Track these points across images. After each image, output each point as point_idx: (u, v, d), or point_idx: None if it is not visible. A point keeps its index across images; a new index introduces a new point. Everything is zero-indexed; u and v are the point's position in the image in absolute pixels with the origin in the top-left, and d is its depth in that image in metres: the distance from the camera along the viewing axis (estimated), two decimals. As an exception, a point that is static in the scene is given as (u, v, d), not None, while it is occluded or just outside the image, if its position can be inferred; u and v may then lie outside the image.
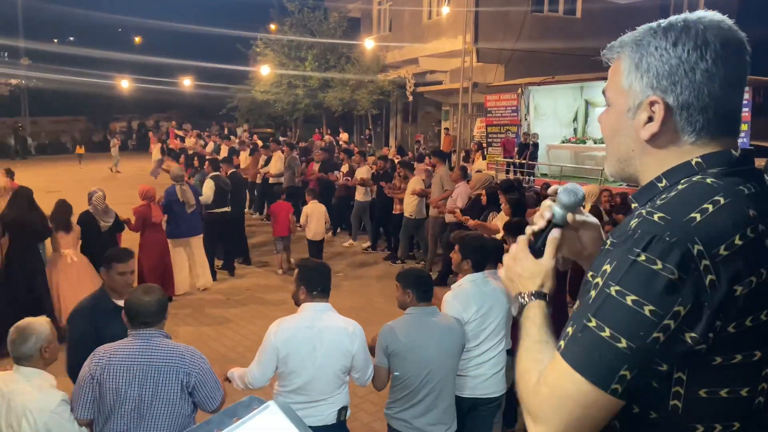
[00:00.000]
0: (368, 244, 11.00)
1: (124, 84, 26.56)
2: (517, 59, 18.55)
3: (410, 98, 21.99)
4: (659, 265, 0.96)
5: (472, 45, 17.43)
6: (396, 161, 12.00)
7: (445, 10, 19.83)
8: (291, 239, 9.56)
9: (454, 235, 4.16)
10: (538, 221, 1.29)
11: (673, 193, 1.06)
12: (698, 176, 1.06)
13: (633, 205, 1.17)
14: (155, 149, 20.55)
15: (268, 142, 15.73)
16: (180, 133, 24.32)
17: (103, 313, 3.51)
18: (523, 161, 15.18)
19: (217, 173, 9.22)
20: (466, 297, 3.65)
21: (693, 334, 0.97)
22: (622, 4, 18.15)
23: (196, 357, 2.87)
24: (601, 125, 1.22)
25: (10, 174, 9.45)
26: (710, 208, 1.00)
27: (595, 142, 15.65)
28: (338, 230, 12.01)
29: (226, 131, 26.80)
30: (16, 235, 6.21)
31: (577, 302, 1.07)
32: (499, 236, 6.28)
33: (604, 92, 1.21)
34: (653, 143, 1.10)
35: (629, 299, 0.97)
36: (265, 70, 24.29)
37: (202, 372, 2.85)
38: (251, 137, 20.97)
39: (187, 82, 26.05)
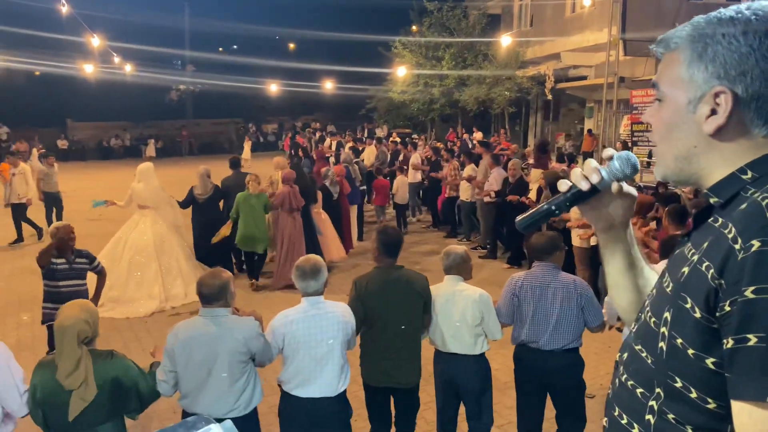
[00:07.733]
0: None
1: (273, 88, 28.44)
2: (670, 51, 16.98)
3: (549, 95, 21.07)
4: None
5: (618, 37, 16.27)
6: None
7: (587, 1, 18.68)
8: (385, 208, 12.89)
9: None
10: (579, 182, 1.22)
11: None
12: None
13: (712, 200, 1.07)
14: (246, 147, 25.64)
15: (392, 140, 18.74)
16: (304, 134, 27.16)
17: None
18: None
19: (357, 160, 12.63)
20: None
21: None
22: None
23: (584, 285, 3.95)
24: (653, 122, 1.14)
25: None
26: None
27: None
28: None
29: (366, 132, 27.64)
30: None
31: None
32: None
33: (655, 85, 1.14)
34: (719, 137, 1.04)
35: None
36: (401, 71, 24.49)
37: (588, 296, 3.88)
38: (389, 136, 22.14)
39: (329, 86, 27.19)
